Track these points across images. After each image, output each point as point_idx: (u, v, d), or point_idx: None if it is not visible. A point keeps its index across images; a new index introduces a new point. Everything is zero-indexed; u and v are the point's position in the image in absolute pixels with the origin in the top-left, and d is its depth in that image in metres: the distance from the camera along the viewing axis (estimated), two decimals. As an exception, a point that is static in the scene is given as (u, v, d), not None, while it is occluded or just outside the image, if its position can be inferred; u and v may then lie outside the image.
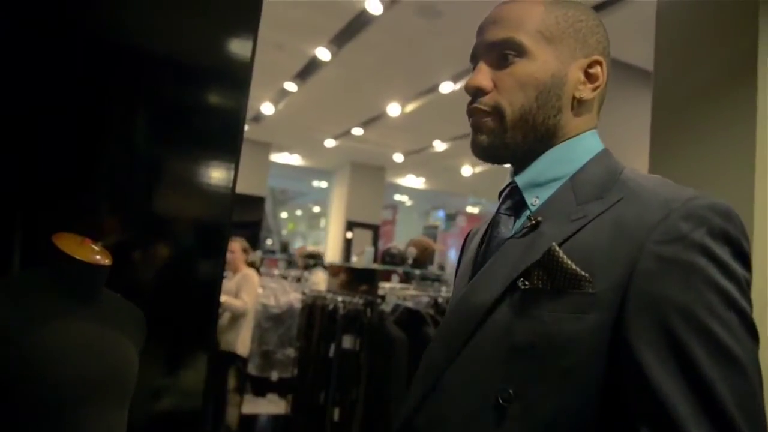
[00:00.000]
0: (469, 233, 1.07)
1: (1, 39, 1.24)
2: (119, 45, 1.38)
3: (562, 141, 0.83)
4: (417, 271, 3.73)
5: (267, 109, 7.28)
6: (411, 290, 3.44)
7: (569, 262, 0.70)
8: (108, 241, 1.30)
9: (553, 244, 0.73)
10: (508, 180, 0.89)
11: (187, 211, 1.49)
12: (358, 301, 3.12)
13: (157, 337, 1.38)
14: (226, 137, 1.51)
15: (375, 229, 10.37)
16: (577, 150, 0.83)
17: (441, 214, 15.60)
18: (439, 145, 8.66)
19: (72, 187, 1.35)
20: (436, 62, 5.44)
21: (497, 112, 0.82)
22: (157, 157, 1.46)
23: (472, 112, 0.85)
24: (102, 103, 1.39)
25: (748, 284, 0.67)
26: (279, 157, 10.72)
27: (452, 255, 13.34)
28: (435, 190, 13.47)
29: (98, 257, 1.20)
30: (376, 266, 3.41)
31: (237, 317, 3.85)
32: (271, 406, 4.03)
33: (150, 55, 1.42)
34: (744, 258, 0.68)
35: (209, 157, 1.50)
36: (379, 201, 10.89)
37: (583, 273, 0.69)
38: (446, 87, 5.76)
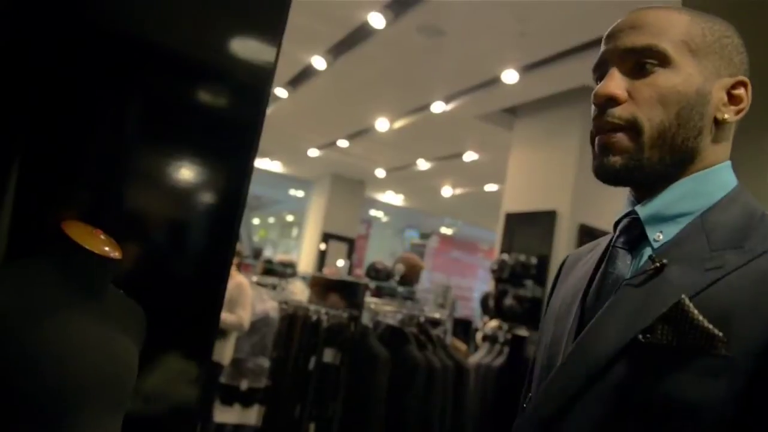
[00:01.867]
0: (566, 260, 0.98)
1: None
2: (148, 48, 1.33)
3: (698, 169, 0.74)
4: (400, 288, 3.69)
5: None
6: (391, 306, 3.40)
7: (701, 318, 0.62)
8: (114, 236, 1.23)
9: (683, 296, 0.65)
10: (624, 208, 0.80)
11: (197, 218, 1.44)
12: (342, 314, 3.06)
13: (154, 339, 1.31)
14: (243, 142, 1.46)
15: (351, 243, 10.31)
16: (712, 183, 0.74)
17: (414, 233, 15.63)
18: (422, 164, 8.68)
19: (73, 185, 1.28)
20: (431, 81, 5.46)
21: (633, 127, 0.72)
22: (164, 157, 1.40)
23: (602, 128, 0.75)
24: (104, 90, 1.32)
25: None
26: (260, 163, 10.61)
27: (425, 275, 13.35)
28: (412, 208, 13.50)
29: (107, 248, 1.13)
30: (352, 278, 3.36)
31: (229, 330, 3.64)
32: (243, 415, 3.90)
33: (165, 54, 1.38)
34: None
35: (223, 160, 1.45)
36: (356, 214, 10.85)
37: (716, 332, 0.61)
38: (438, 107, 5.78)
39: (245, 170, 1.45)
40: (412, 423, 2.84)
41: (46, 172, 1.23)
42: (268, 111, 5.74)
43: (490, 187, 9.14)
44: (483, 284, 12.35)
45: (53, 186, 1.24)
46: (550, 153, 5.35)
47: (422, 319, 3.31)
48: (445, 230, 15.41)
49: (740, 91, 0.75)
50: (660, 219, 0.74)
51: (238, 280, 3.67)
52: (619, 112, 0.73)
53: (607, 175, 0.76)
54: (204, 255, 1.42)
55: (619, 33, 0.76)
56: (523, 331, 4.48)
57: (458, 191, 10.35)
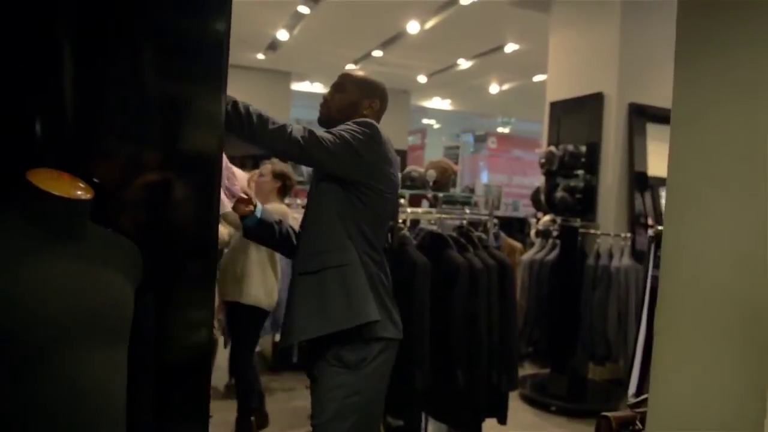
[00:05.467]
0: None
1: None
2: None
3: None
4: (440, 194, 3.62)
5: (282, 35, 7.06)
6: (434, 213, 3.35)
7: None
8: (98, 177, 1.23)
9: None
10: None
11: (177, 143, 1.41)
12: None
13: (155, 276, 1.33)
14: (211, 61, 1.39)
15: (402, 155, 10.22)
16: None
17: (470, 137, 15.26)
18: (463, 63, 8.33)
19: (54, 121, 1.27)
20: (455, -28, 5.11)
21: None
22: (142, 87, 1.36)
23: None
24: (82, 32, 1.28)
25: None
26: (300, 86, 10.51)
27: (484, 178, 13.13)
28: (463, 111, 13.15)
29: (78, 192, 1.13)
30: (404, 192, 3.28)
31: (251, 264, 3.15)
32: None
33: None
34: None
35: (195, 83, 1.39)
36: (404, 125, 10.68)
37: None
38: (466, -1, 5.44)
39: (219, 88, 1.40)
40: (459, 324, 2.86)
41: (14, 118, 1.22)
42: (295, 31, 5.59)
43: (539, 78, 8.70)
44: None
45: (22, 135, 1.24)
46: (590, 32, 4.97)
47: (463, 222, 3.26)
48: (501, 129, 14.97)
49: None
50: None
51: (281, 209, 3.46)
52: None
53: None
54: (188, 187, 1.41)
55: None
56: (576, 223, 4.36)
57: (506, 86, 9.94)
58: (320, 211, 1.80)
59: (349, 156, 1.71)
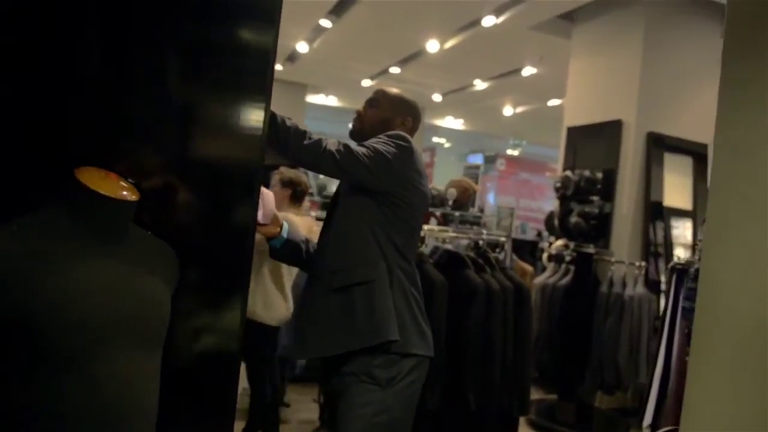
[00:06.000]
0: None
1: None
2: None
3: None
4: (456, 213, 3.61)
5: (302, 47, 7.10)
6: (450, 232, 3.34)
7: None
8: (138, 182, 1.22)
9: None
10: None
11: (219, 153, 1.41)
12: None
13: (191, 279, 1.32)
14: (256, 75, 1.40)
15: (412, 172, 10.21)
16: None
17: (479, 157, 15.29)
18: (480, 84, 8.37)
19: (97, 126, 1.27)
20: (479, -6, 5.15)
21: None
22: (184, 97, 1.36)
23: None
24: (126, 40, 1.29)
25: None
26: (315, 99, 10.57)
27: (491, 199, 13.13)
28: (474, 131, 13.19)
29: (124, 192, 1.13)
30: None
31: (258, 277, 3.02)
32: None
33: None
34: None
35: (239, 96, 1.40)
36: (417, 143, 10.69)
37: None
38: (489, 21, 5.47)
39: (262, 103, 1.40)
40: (473, 346, 2.83)
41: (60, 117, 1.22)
42: (315, 44, 5.63)
43: (554, 102, 8.73)
44: (553, 205, 12.07)
45: (69, 133, 1.24)
46: (611, 60, 4.99)
47: (481, 242, 3.24)
48: (511, 151, 14.99)
49: None
50: None
51: (282, 214, 3.28)
52: None
53: None
54: (229, 192, 1.40)
55: None
56: (590, 249, 4.34)
57: (520, 109, 9.97)
58: (348, 224, 1.78)
59: (384, 168, 1.71)
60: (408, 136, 1.81)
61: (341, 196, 1.84)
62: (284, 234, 1.85)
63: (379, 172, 1.70)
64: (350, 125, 1.98)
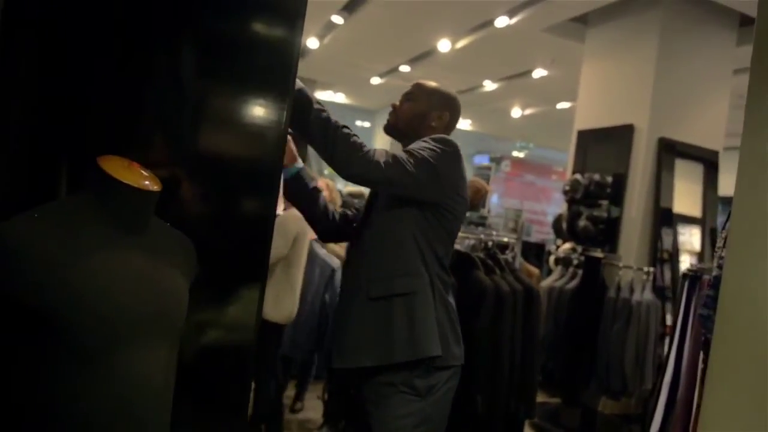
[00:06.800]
0: None
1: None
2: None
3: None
4: (467, 213, 3.59)
5: (312, 43, 7.08)
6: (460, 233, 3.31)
7: None
8: (159, 174, 1.21)
9: None
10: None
11: (239, 146, 1.39)
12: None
13: (209, 272, 1.31)
14: (278, 69, 1.39)
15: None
16: None
17: (485, 158, 15.25)
18: (489, 85, 8.35)
19: (121, 119, 1.25)
20: (493, -6, 5.13)
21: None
22: (204, 91, 1.35)
23: None
24: (150, 36, 1.27)
25: None
26: (323, 95, 10.55)
27: (495, 200, 13.09)
28: (481, 132, 13.15)
29: (147, 183, 1.11)
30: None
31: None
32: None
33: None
34: None
35: (260, 91, 1.38)
36: (423, 142, 10.65)
37: None
38: (502, 21, 5.45)
39: (284, 102, 1.39)
40: (482, 348, 2.81)
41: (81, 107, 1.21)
42: (326, 40, 5.64)
43: (563, 105, 8.71)
44: (557, 208, 12.02)
45: (92, 121, 1.22)
46: (625, 64, 4.96)
47: (490, 244, 3.22)
48: (517, 154, 14.97)
49: None
50: None
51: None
52: None
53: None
54: (248, 190, 1.39)
55: None
56: (597, 253, 4.31)
57: (528, 111, 9.94)
58: (389, 231, 1.70)
59: (432, 178, 1.64)
60: (453, 141, 1.72)
61: (379, 199, 1.76)
62: (298, 166, 1.78)
63: (426, 180, 1.63)
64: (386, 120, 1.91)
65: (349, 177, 1.66)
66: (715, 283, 1.78)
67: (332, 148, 1.54)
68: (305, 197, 1.83)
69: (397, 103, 1.88)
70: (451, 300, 1.78)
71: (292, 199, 1.86)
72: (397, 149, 1.82)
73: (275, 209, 1.41)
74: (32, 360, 0.96)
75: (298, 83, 1.57)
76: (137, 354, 1.02)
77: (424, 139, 1.71)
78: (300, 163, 1.79)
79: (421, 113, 1.84)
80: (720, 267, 1.82)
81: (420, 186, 1.63)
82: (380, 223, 1.72)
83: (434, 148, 1.66)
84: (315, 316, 3.41)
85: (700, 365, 2.12)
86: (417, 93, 1.86)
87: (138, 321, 1.03)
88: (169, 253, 1.16)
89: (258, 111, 1.39)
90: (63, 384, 0.96)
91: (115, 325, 0.99)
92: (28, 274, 0.93)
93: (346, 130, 1.56)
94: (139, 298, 1.03)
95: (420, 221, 1.68)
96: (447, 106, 1.88)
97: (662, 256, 4.58)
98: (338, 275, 3.45)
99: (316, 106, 1.57)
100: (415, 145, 1.69)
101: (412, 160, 1.61)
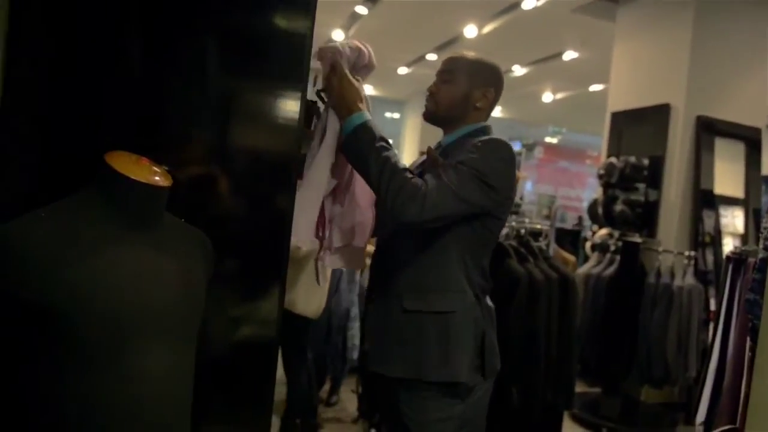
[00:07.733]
0: None
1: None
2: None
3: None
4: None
5: (338, 35, 7.04)
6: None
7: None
8: (178, 171, 1.18)
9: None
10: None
11: (255, 142, 1.36)
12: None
13: (229, 268, 1.29)
14: (292, 63, 1.35)
15: (449, 161, 10.09)
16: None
17: (517, 145, 15.02)
18: (518, 70, 8.18)
19: (134, 114, 1.23)
20: (519, -25, 5.00)
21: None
22: (221, 86, 1.32)
23: None
24: (165, 28, 1.25)
25: None
26: (351, 88, 10.50)
27: (528, 187, 12.88)
28: (512, 118, 12.94)
29: (156, 178, 1.08)
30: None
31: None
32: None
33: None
34: None
35: (276, 85, 1.35)
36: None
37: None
38: (529, 3, 5.31)
39: (299, 93, 1.35)
40: (516, 338, 2.74)
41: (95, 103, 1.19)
42: (351, 31, 5.59)
43: (596, 87, 8.48)
44: (593, 193, 11.78)
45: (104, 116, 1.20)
46: (659, 41, 4.78)
47: (523, 231, 3.14)
48: (550, 139, 14.69)
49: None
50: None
51: None
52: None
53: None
54: (265, 186, 1.36)
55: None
56: (635, 238, 4.18)
57: (560, 95, 9.72)
58: (431, 243, 1.55)
59: (485, 196, 1.48)
60: (506, 145, 1.55)
61: None
62: (367, 114, 1.50)
63: (477, 200, 1.48)
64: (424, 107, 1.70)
65: (402, 225, 1.49)
66: (762, 265, 1.68)
67: (385, 194, 1.42)
68: (373, 150, 1.48)
69: (434, 87, 1.66)
70: (493, 311, 1.68)
71: (355, 160, 1.51)
72: (438, 136, 1.71)
73: (293, 203, 1.37)
74: (39, 361, 0.94)
75: (366, 115, 1.47)
76: (147, 353, 0.99)
77: (476, 144, 1.52)
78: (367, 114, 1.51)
79: (463, 95, 1.63)
80: (766, 249, 1.72)
81: (473, 208, 1.49)
82: (418, 235, 1.56)
83: (487, 158, 1.50)
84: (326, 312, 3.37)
85: (748, 353, 2.02)
86: (454, 72, 1.64)
87: (147, 319, 1.00)
88: (181, 250, 1.13)
89: (274, 105, 1.36)
90: (70, 384, 0.94)
91: (123, 324, 0.97)
92: (34, 275, 0.91)
93: (402, 176, 1.43)
94: (147, 295, 1.01)
95: (467, 235, 1.55)
96: (490, 81, 1.67)
97: (704, 239, 4.41)
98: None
99: (377, 143, 1.44)
100: (468, 157, 1.49)
101: (464, 189, 1.46)
